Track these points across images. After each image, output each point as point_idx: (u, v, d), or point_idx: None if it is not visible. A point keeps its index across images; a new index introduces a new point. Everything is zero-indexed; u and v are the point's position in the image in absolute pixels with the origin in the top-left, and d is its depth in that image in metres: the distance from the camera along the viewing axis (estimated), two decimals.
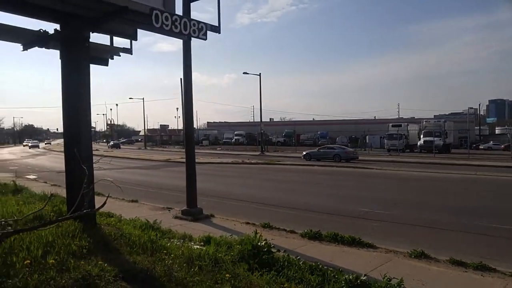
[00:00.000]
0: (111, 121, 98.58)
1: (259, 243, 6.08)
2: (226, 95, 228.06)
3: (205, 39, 6.19)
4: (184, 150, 41.51)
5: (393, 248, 7.39)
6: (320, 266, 5.59)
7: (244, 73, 44.75)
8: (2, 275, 3.84)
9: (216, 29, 6.63)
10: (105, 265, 4.40)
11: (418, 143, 44.99)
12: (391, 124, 54.61)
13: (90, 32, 5.96)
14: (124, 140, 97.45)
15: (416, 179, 20.17)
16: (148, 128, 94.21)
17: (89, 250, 4.92)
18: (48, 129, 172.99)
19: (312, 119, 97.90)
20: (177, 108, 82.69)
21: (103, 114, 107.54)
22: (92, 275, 3.98)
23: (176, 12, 6.30)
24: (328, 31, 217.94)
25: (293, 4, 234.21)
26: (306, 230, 8.39)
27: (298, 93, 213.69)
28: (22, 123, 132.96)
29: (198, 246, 6.61)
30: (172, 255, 5.33)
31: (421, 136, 45.86)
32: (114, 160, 30.68)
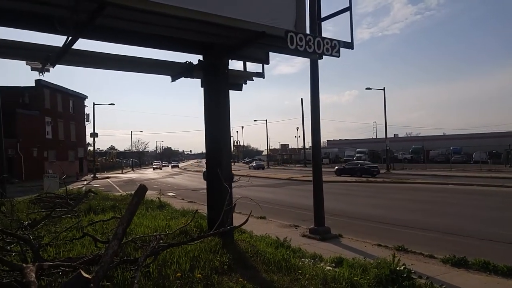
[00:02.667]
0: (237, 143, 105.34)
1: (397, 268, 5.58)
2: (346, 112, 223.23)
3: (339, 56, 6.09)
4: (305, 168, 41.42)
5: None
6: None
7: (367, 88, 43.40)
8: (158, 285, 4.22)
9: (349, 45, 6.49)
10: (245, 282, 4.50)
11: None
12: None
13: (229, 60, 6.40)
14: (248, 159, 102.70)
15: None
16: (270, 148, 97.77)
17: (229, 266, 5.13)
18: (183, 151, 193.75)
19: (442, 134, 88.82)
20: (297, 128, 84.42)
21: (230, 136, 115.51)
22: None
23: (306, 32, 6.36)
24: (456, 38, 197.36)
25: (417, 13, 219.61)
26: (447, 256, 7.43)
27: (425, 107, 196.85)
28: (162, 147, 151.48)
29: (330, 268, 6.38)
30: (307, 276, 5.22)
31: None
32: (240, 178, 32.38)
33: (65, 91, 51.59)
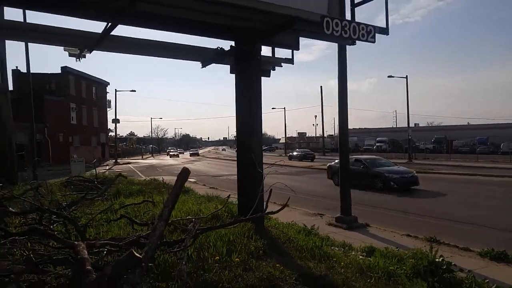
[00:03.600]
0: None
1: (435, 259, 5.51)
2: (366, 100, 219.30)
3: (374, 41, 5.97)
4: (323, 157, 41.14)
5: None
6: None
7: (389, 76, 42.32)
8: (198, 268, 4.30)
9: (385, 31, 6.34)
10: (282, 267, 4.54)
11: None
12: None
13: (261, 46, 6.36)
14: (265, 147, 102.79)
15: None
16: (287, 136, 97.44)
17: (264, 251, 5.17)
18: (201, 138, 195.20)
19: (467, 123, 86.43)
20: (315, 116, 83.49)
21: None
22: (275, 276, 4.14)
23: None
24: (481, 24, 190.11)
25: None
26: (486, 249, 7.27)
27: (448, 96, 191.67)
28: (180, 133, 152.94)
29: (361, 256, 6.36)
30: (342, 264, 5.22)
31: None
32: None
33: (89, 78, 52.54)
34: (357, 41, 6.38)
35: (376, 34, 6.12)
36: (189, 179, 17.14)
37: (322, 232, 8.56)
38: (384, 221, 10.79)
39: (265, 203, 4.84)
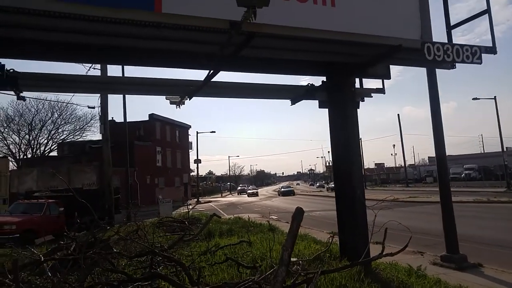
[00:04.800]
0: (328, 163, 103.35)
1: None
2: (446, 125, 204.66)
3: (480, 63, 5.56)
4: (407, 188, 39.13)
5: None
6: None
7: (473, 98, 39.43)
8: None
9: (492, 50, 5.88)
10: None
11: None
12: None
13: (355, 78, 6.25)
14: None
15: None
16: (364, 167, 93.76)
17: None
18: (275, 173, 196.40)
19: None
20: (394, 145, 79.73)
21: (322, 157, 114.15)
22: None
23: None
24: None
25: None
26: None
27: None
28: (255, 170, 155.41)
29: None
30: None
31: None
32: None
33: (172, 123, 56.63)
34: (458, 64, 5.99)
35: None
36: (271, 217, 17.08)
37: (429, 273, 7.79)
38: (500, 260, 9.53)
39: (380, 244, 4.50)
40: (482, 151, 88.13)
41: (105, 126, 20.26)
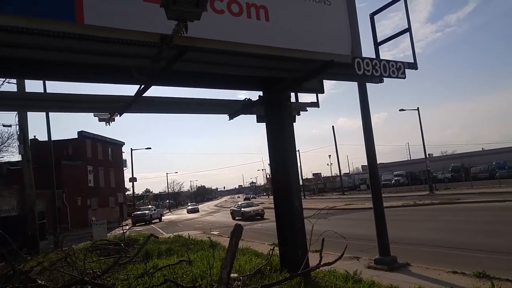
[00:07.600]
0: (268, 175, 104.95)
1: None
2: (376, 135, 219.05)
3: (404, 77, 6.01)
4: (343, 196, 40.95)
5: None
6: None
7: (400, 110, 42.89)
8: None
9: (413, 65, 6.38)
10: None
11: None
12: None
13: (291, 93, 6.41)
14: None
15: None
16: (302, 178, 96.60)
17: None
18: (216, 188, 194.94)
19: (481, 149, 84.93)
20: (330, 156, 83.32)
21: (263, 169, 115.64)
22: None
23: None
24: (481, 51, 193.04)
25: (438, 31, 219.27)
26: None
27: (457, 123, 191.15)
28: (195, 185, 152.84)
29: None
30: None
31: None
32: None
33: (104, 140, 53.73)
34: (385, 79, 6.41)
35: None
36: (212, 232, 16.80)
37: (364, 277, 8.14)
38: (425, 259, 10.25)
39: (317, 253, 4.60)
40: (409, 158, 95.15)
41: (25, 146, 18.67)
